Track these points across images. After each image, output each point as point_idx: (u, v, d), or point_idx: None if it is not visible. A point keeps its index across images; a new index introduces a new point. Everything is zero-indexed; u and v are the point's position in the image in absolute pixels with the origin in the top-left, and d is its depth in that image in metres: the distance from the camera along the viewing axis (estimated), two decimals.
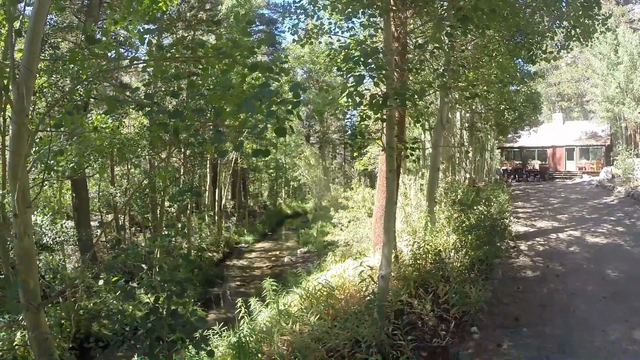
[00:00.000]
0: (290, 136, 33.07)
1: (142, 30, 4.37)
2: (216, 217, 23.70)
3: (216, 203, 24.43)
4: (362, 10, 6.18)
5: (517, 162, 37.28)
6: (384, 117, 4.86)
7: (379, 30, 6.44)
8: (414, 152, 5.86)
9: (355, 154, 7.98)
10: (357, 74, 4.45)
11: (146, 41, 3.38)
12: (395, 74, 5.64)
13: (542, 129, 36.70)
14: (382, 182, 7.53)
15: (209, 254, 19.83)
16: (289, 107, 2.65)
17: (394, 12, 6.06)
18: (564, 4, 8.39)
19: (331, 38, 7.77)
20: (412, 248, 6.83)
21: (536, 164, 36.55)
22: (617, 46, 30.77)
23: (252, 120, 2.64)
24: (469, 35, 8.63)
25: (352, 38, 6.81)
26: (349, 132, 35.93)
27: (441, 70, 6.30)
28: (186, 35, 18.90)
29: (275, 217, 33.16)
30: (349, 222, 16.50)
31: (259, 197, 37.83)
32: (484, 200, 10.54)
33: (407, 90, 4.72)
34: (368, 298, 5.18)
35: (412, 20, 7.09)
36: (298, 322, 5.37)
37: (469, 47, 9.86)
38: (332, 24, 7.84)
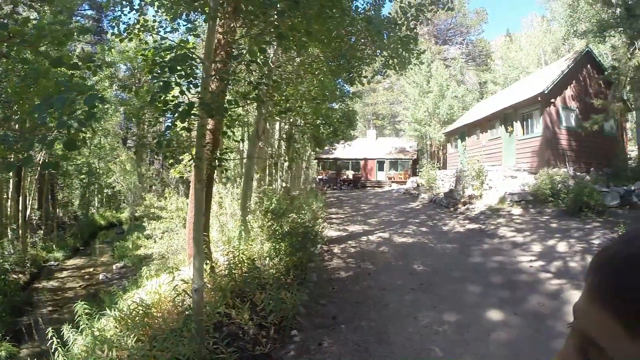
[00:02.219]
0: (106, 138, 30.38)
1: None
2: (20, 231, 19.78)
3: (20, 214, 20.79)
4: (187, 12, 5.97)
5: (333, 172, 40.39)
6: (191, 127, 4.71)
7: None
8: (221, 164, 5.86)
9: (170, 161, 7.39)
10: (165, 80, 4.23)
11: None
12: (213, 83, 5.53)
13: (357, 143, 40.31)
14: (193, 192, 7.34)
15: (14, 275, 16.54)
16: (82, 120, 2.38)
17: (223, 19, 5.98)
18: (385, 37, 9.19)
19: (152, 37, 7.29)
20: (227, 258, 6.77)
21: (350, 173, 40.00)
22: (429, 78, 36.01)
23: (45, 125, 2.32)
24: (291, 53, 8.97)
25: (165, 42, 6.46)
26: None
27: (256, 83, 6.35)
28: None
29: (88, 229, 29.48)
30: (163, 233, 15.57)
31: (69, 206, 32.95)
32: (297, 208, 10.90)
33: (216, 101, 4.65)
34: (186, 313, 4.98)
35: (240, 31, 7.05)
36: (115, 347, 4.92)
37: (294, 64, 10.23)
38: (156, 22, 7.38)
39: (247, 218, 8.98)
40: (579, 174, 15.64)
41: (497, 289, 7.12)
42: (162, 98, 4.19)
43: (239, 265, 6.64)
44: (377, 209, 18.96)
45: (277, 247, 7.65)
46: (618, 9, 16.41)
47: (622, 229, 9.89)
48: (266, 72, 7.17)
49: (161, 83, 4.14)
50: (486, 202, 15.34)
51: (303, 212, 10.91)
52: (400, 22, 8.72)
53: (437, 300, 6.60)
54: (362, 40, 9.33)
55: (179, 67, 4.09)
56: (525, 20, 52.09)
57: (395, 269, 8.58)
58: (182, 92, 4.48)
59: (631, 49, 9.93)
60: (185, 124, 4.41)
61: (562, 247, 9.55)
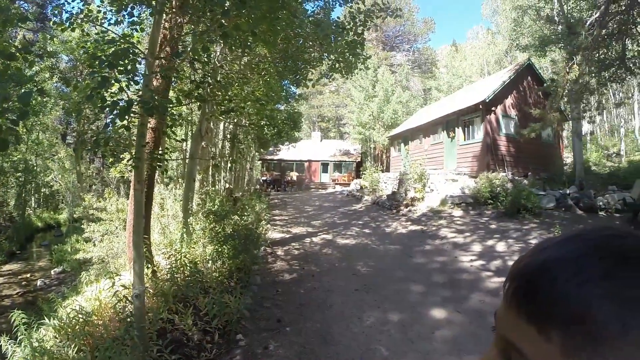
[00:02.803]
0: (44, 133, 28.67)
1: None
2: None
3: None
4: (132, 5, 5.71)
5: (277, 173, 40.36)
6: (131, 125, 4.48)
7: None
8: (162, 164, 5.69)
9: (110, 159, 6.80)
10: (104, 75, 3.97)
11: None
12: (155, 80, 5.32)
13: (302, 144, 40.65)
14: (133, 193, 7.06)
15: None
16: (15, 118, 2.21)
17: (170, 14, 5.78)
18: (333, 40, 9.22)
19: (96, 28, 6.86)
20: (169, 261, 6.53)
21: (294, 175, 40.10)
22: (375, 82, 36.83)
23: None
24: (238, 52, 8.82)
25: (107, 35, 6.13)
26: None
27: (199, 82, 6.12)
28: None
29: (25, 231, 27.25)
30: (103, 236, 14.68)
31: (5, 206, 29.93)
32: (240, 210, 10.74)
33: (157, 99, 4.48)
34: (128, 320, 4.77)
35: (186, 27, 6.82)
36: (55, 359, 4.62)
37: (241, 63, 10.07)
38: (100, 13, 7.00)
39: (189, 220, 8.72)
40: (517, 178, 16.47)
41: (440, 288, 7.31)
42: (100, 94, 3.99)
43: (181, 268, 6.40)
44: (321, 211, 19.03)
45: (220, 249, 7.46)
46: (559, 26, 17.50)
47: (558, 230, 10.56)
48: (210, 71, 7.00)
49: (99, 78, 3.94)
50: (428, 204, 15.75)
51: (246, 214, 10.75)
52: (348, 27, 8.79)
53: (381, 300, 6.68)
54: (310, 43, 9.33)
55: (119, 63, 3.90)
56: (471, 32, 55.56)
57: (338, 271, 8.60)
58: (121, 89, 4.28)
59: (570, 64, 10.55)
60: (125, 122, 4.23)
61: (501, 247, 9.97)
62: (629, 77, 14.44)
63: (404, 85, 45.70)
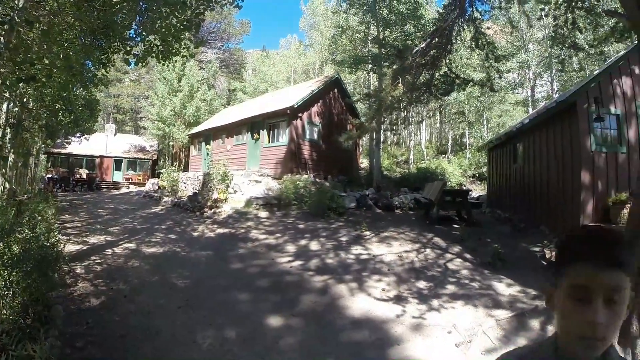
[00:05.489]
0: None
1: None
2: None
3: None
4: None
5: (64, 170, 35.40)
6: None
7: None
8: None
9: None
10: None
11: None
12: None
13: (94, 137, 36.70)
14: None
15: None
16: None
17: None
18: (160, 23, 7.96)
19: None
20: None
21: (84, 173, 35.84)
22: (182, 76, 35.35)
23: None
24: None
25: None
26: None
27: None
28: None
29: None
30: None
31: None
32: (28, 219, 8.53)
33: None
34: None
35: None
36: None
37: (41, 27, 7.95)
38: None
39: None
40: (318, 180, 17.58)
41: (267, 293, 7.16)
42: None
43: None
44: (118, 215, 17.16)
45: (9, 278, 5.38)
46: (383, 49, 19.77)
47: (365, 227, 11.66)
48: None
49: None
50: (232, 205, 15.61)
51: (37, 223, 8.60)
52: (188, 3, 7.75)
53: (211, 315, 6.13)
54: (130, 15, 7.97)
55: None
56: (284, 41, 58.43)
57: (153, 286, 7.57)
58: None
59: (395, 82, 11.66)
60: None
61: (314, 245, 10.34)
62: (432, 100, 16.79)
63: (210, 83, 44.96)
